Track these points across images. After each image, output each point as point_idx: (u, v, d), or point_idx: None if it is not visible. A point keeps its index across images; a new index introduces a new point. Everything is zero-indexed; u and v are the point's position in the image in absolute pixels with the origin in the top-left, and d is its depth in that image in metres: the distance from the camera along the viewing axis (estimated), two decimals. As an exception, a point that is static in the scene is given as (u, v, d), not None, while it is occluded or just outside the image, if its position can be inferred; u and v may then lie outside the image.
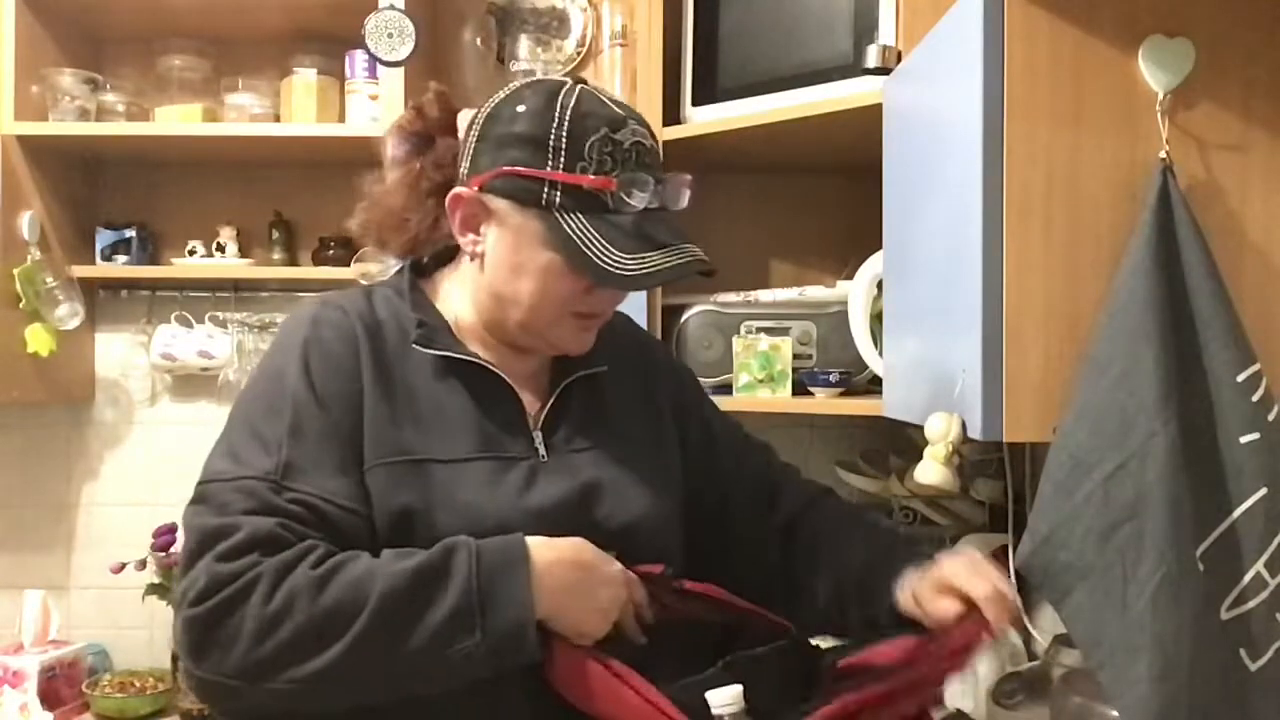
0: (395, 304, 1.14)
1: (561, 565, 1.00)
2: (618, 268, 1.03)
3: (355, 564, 0.97)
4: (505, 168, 1.07)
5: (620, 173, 1.05)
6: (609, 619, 1.01)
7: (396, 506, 1.03)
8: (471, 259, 1.12)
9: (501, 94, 1.11)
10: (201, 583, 0.95)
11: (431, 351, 1.10)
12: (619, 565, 1.04)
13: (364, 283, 1.16)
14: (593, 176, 1.05)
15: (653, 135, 1.10)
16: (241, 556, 0.95)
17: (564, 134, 1.05)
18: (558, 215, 1.05)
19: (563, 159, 1.05)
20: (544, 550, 1.00)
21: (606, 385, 1.20)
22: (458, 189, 1.10)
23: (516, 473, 1.09)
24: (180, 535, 2.16)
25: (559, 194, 1.05)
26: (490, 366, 1.12)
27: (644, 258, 1.04)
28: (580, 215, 1.05)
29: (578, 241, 1.04)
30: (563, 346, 1.14)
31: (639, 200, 1.06)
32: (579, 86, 1.09)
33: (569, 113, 1.06)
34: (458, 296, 1.16)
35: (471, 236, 1.11)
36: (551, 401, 1.15)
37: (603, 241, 1.04)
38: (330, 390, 1.05)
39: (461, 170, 1.12)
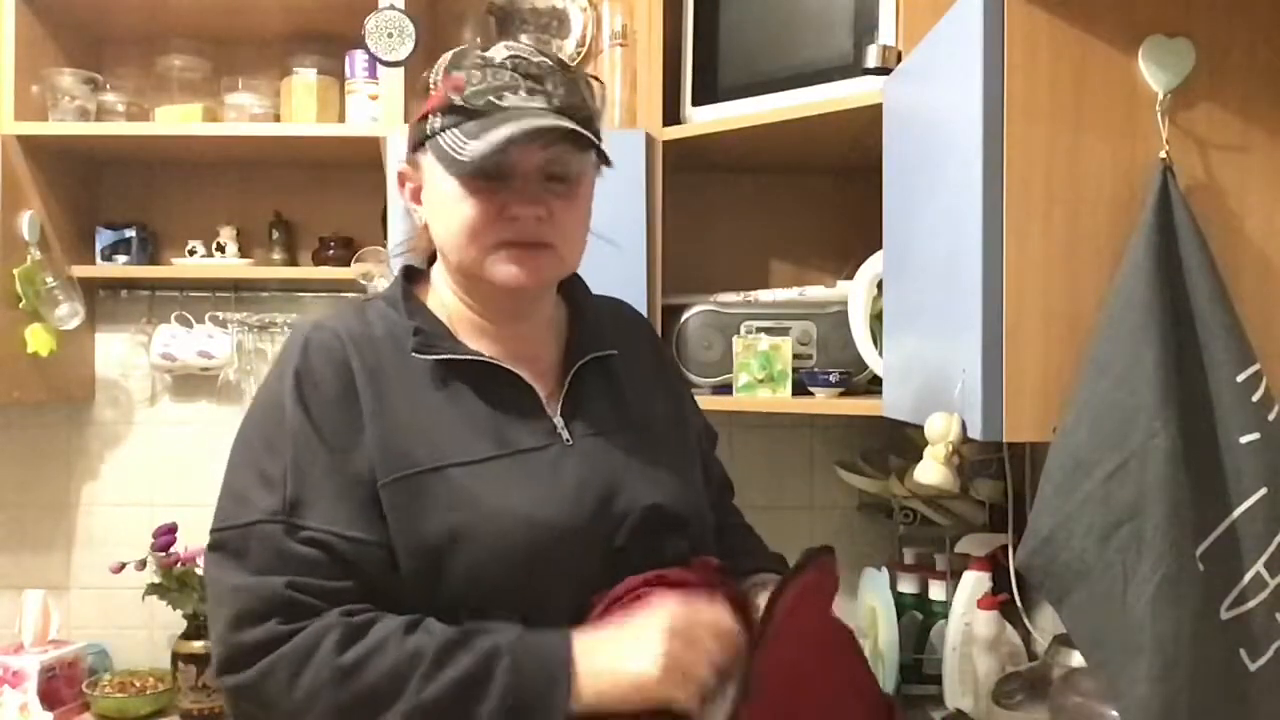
0: (390, 315, 1.12)
1: (601, 637, 0.99)
2: (466, 152, 1.02)
3: (383, 655, 0.95)
4: (412, 124, 1.12)
5: (469, 72, 1.06)
6: (662, 659, 0.95)
7: (419, 520, 1.01)
8: (427, 230, 1.14)
9: None
10: (221, 651, 0.98)
11: (431, 357, 1.09)
12: (671, 609, 0.99)
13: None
14: (449, 83, 1.06)
15: (544, 54, 1.09)
16: (257, 624, 0.96)
17: (441, 69, 1.09)
18: (437, 138, 1.06)
19: (439, 90, 1.07)
20: (587, 642, 0.98)
21: (620, 369, 1.19)
22: (398, 166, 1.15)
23: (541, 463, 1.07)
24: (180, 539, 2.17)
25: (438, 118, 1.07)
26: (494, 361, 1.10)
27: (493, 134, 1.02)
28: (454, 130, 1.05)
29: (443, 146, 1.05)
30: (503, 280, 1.08)
31: (513, 98, 1.05)
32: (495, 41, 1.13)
33: (456, 53, 1.10)
34: (443, 287, 1.15)
35: (418, 209, 1.14)
36: (566, 385, 1.14)
37: (461, 136, 1.04)
38: (327, 420, 1.04)
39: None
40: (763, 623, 1.00)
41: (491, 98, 1.04)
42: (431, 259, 1.19)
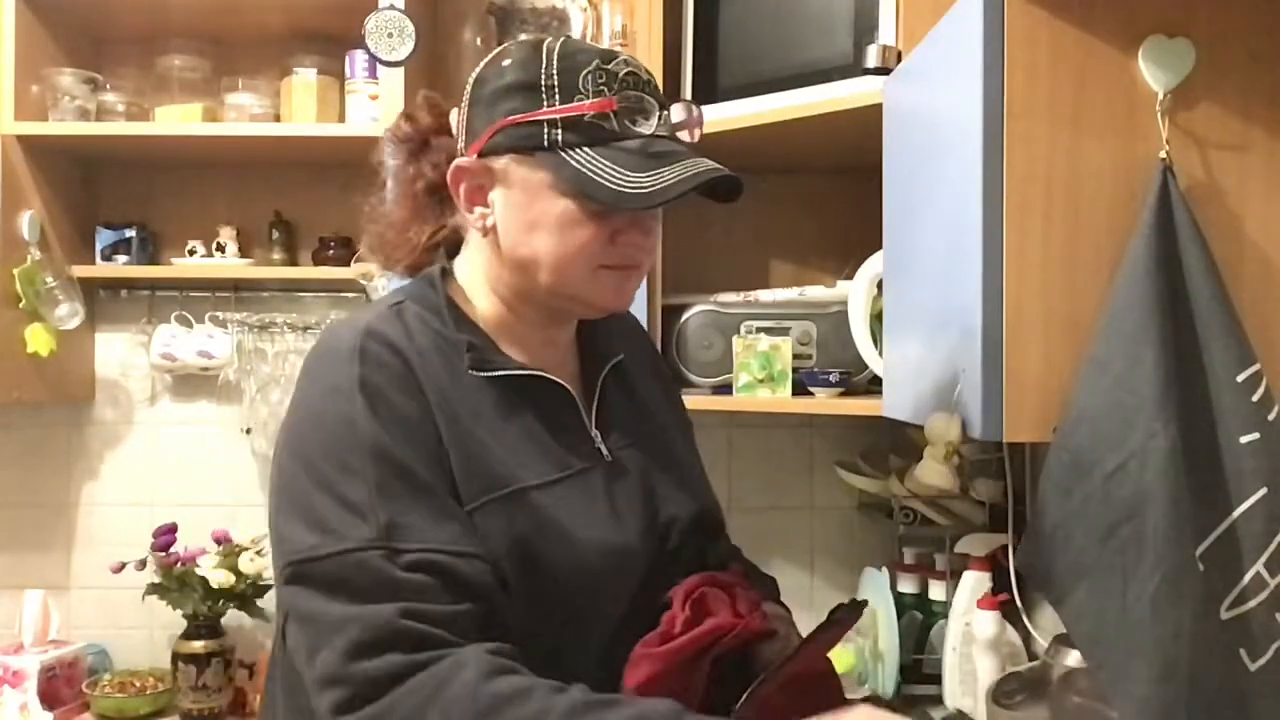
0: (434, 325, 1.04)
1: None
2: (631, 187, 0.97)
3: (522, 707, 0.87)
4: (501, 121, 1.01)
5: (620, 96, 1.00)
6: None
7: (508, 543, 0.97)
8: (484, 235, 1.05)
9: (485, 60, 1.06)
10: (339, 687, 0.88)
11: (489, 374, 1.03)
12: None
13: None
14: (592, 101, 0.98)
15: (649, 72, 1.05)
16: (376, 655, 0.88)
17: (554, 71, 1.00)
18: (563, 153, 0.99)
19: (558, 95, 0.99)
20: None
21: (628, 372, 1.18)
22: (458, 160, 1.04)
23: (594, 484, 1.05)
24: (180, 539, 2.17)
25: (560, 131, 0.99)
26: (544, 375, 1.07)
27: (659, 174, 0.98)
28: (586, 148, 0.98)
29: (586, 172, 0.97)
30: (604, 304, 1.06)
31: (645, 125, 1.01)
32: (563, 36, 1.05)
33: (556, 53, 1.01)
34: (478, 290, 1.09)
35: (480, 210, 1.04)
36: (597, 396, 1.12)
37: (612, 166, 0.97)
38: (406, 435, 0.96)
39: (459, 146, 1.06)
40: (783, 661, 1.00)
41: (628, 122, 1.00)
42: (415, 263, 1.14)
